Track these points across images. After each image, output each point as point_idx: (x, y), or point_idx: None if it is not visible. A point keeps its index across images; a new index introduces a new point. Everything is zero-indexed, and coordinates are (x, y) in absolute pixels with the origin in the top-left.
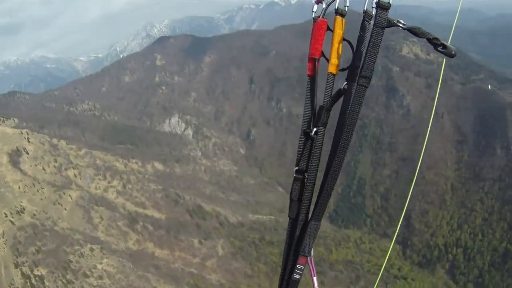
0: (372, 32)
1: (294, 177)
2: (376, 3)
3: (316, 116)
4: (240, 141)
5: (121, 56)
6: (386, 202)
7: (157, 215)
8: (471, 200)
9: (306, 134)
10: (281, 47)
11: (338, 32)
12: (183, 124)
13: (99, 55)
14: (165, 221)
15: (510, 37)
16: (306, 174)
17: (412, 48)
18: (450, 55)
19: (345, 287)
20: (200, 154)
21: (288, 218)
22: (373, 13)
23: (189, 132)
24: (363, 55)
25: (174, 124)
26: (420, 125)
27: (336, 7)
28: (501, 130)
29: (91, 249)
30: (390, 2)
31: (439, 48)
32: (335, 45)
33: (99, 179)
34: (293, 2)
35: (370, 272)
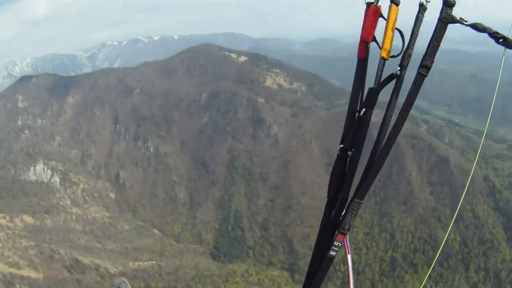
0: (436, 26)
1: (338, 154)
2: (444, 0)
3: (365, 97)
4: (110, 185)
5: None
6: (266, 232)
7: (34, 275)
8: None
9: (353, 113)
10: (145, 85)
11: (392, 19)
12: (49, 171)
13: None
14: (44, 280)
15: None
16: (349, 152)
17: (276, 79)
18: (511, 46)
19: None
20: (69, 202)
21: (326, 196)
22: (440, 8)
23: (56, 179)
24: (427, 46)
25: (39, 171)
26: (288, 153)
27: None
28: (369, 148)
29: None
30: (455, 0)
31: (500, 41)
32: (389, 32)
33: None
34: (155, 39)
35: None
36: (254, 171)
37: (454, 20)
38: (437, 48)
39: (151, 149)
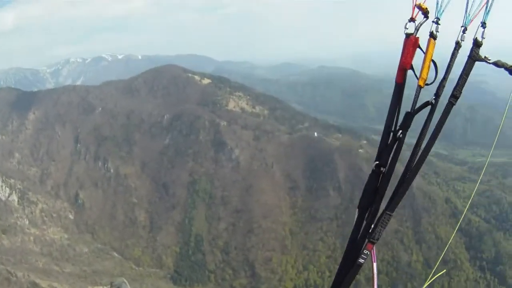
0: (466, 63)
1: (373, 170)
2: (474, 40)
3: (402, 120)
4: (69, 205)
5: None
6: (227, 255)
7: None
8: (312, 241)
9: (389, 133)
10: (107, 104)
11: (430, 52)
12: (7, 189)
13: None
14: None
15: (328, 86)
16: (383, 168)
17: (238, 102)
18: None
19: None
20: (27, 222)
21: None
22: (470, 48)
23: (14, 197)
24: (458, 79)
25: None
26: (250, 176)
27: (431, 31)
28: (331, 172)
29: None
30: (482, 42)
31: None
32: (427, 62)
33: None
34: (120, 57)
35: None
36: (215, 194)
37: (480, 59)
38: (465, 81)
39: (111, 170)
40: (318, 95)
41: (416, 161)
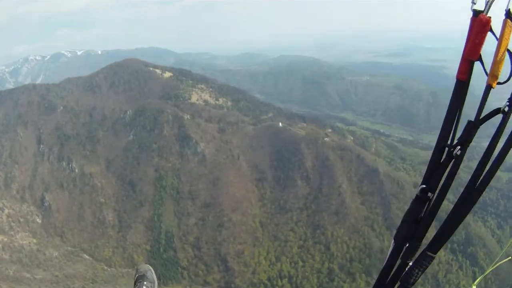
0: None
1: (417, 195)
2: None
3: (463, 132)
4: (35, 209)
5: None
6: (199, 251)
7: None
8: (283, 232)
9: (442, 148)
10: (68, 102)
11: (507, 38)
12: None
13: None
14: None
15: (290, 74)
16: (430, 194)
17: (201, 95)
18: None
19: None
20: None
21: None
22: None
23: None
24: None
25: None
26: (217, 169)
27: (508, 9)
28: (298, 162)
29: None
30: None
31: None
32: (501, 53)
33: None
34: (79, 53)
35: None
36: (182, 189)
37: None
38: None
39: (76, 170)
40: (280, 84)
41: (476, 186)
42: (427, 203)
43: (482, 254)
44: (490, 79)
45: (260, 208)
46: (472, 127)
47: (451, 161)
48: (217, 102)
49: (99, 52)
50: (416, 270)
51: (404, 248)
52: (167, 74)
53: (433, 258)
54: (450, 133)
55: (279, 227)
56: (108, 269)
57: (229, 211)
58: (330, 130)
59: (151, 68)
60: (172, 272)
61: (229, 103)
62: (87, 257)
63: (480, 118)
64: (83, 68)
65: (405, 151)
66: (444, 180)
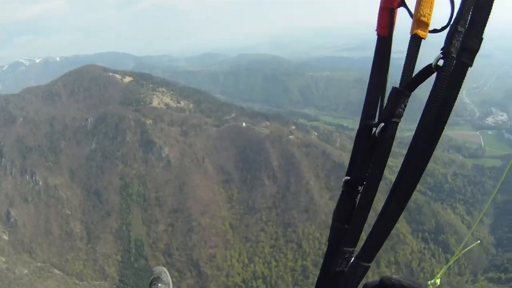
0: None
1: (342, 191)
2: None
3: (386, 104)
4: (1, 225)
5: None
6: (170, 258)
7: None
8: (253, 232)
9: (368, 129)
10: (28, 112)
11: None
12: None
13: None
14: None
15: (250, 73)
16: (360, 187)
17: (162, 98)
18: None
19: None
20: None
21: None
22: None
23: None
24: (471, 16)
25: None
26: (182, 174)
27: None
28: (264, 161)
29: None
30: None
31: None
32: None
33: None
34: (37, 61)
35: None
36: (149, 196)
37: None
38: (487, 18)
39: (40, 182)
40: (241, 84)
41: (410, 169)
42: (357, 199)
43: (453, 240)
44: (415, 26)
45: (229, 210)
46: (400, 95)
47: (374, 142)
48: (179, 105)
49: (58, 59)
50: (351, 280)
51: (338, 253)
52: (127, 79)
53: (367, 268)
54: (377, 108)
55: (249, 228)
56: (80, 283)
57: (197, 215)
58: (294, 127)
59: (110, 74)
60: (145, 282)
61: (191, 105)
62: (57, 272)
63: (410, 80)
64: (42, 76)
65: None
66: (373, 168)
